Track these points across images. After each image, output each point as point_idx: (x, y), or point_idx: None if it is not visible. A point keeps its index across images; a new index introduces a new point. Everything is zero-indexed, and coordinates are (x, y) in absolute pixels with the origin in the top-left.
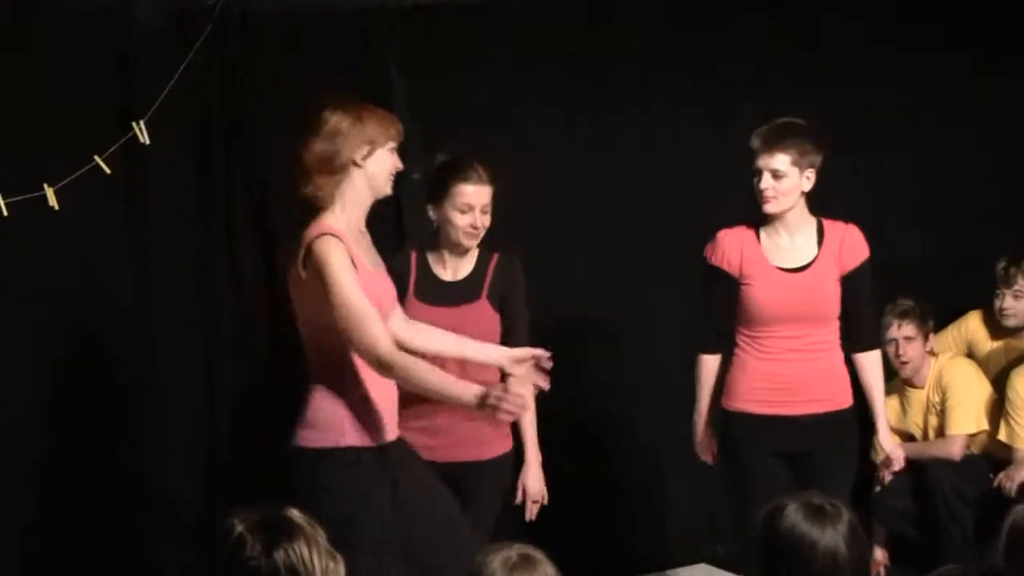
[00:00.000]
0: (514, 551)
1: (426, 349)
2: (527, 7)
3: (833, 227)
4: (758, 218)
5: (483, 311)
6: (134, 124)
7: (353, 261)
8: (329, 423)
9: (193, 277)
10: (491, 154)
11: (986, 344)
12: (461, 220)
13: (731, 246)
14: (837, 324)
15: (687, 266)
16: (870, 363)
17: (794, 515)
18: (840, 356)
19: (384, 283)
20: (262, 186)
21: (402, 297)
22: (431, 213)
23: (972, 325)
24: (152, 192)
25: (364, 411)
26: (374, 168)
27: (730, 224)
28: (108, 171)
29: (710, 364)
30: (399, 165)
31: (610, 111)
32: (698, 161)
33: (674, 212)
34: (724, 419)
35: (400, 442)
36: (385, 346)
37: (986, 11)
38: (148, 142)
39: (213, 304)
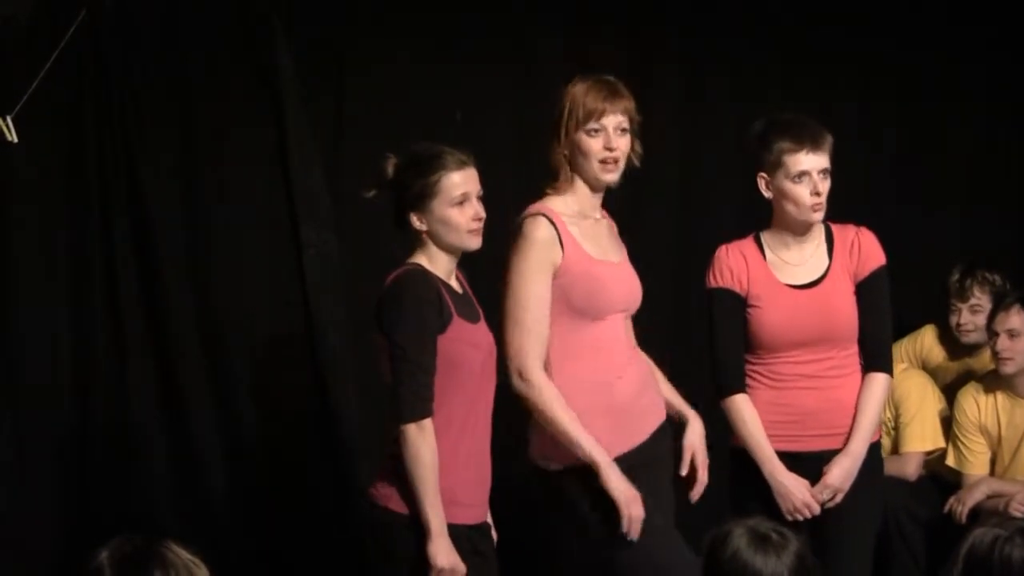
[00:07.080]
0: None
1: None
2: None
3: (843, 232)
4: (757, 229)
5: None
6: None
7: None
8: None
9: (65, 280)
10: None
11: (942, 364)
12: (461, 216)
13: (736, 262)
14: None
15: None
16: (872, 387)
17: (737, 541)
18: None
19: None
20: (139, 184)
21: (447, 322)
22: (416, 224)
23: (927, 341)
24: (20, 192)
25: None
26: None
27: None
28: None
29: (745, 403)
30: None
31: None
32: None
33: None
34: (734, 460)
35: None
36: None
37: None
38: (16, 140)
39: (85, 307)
